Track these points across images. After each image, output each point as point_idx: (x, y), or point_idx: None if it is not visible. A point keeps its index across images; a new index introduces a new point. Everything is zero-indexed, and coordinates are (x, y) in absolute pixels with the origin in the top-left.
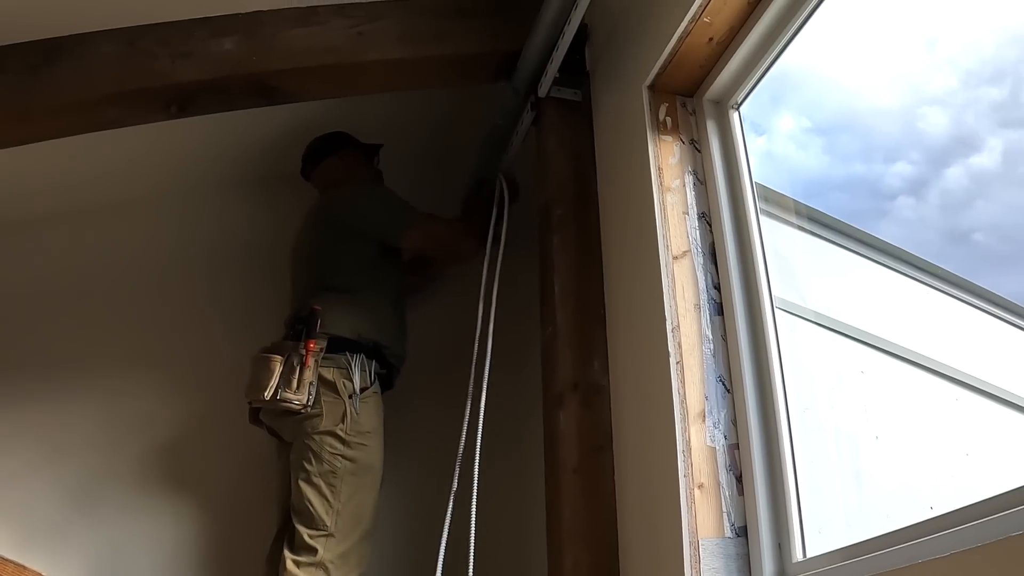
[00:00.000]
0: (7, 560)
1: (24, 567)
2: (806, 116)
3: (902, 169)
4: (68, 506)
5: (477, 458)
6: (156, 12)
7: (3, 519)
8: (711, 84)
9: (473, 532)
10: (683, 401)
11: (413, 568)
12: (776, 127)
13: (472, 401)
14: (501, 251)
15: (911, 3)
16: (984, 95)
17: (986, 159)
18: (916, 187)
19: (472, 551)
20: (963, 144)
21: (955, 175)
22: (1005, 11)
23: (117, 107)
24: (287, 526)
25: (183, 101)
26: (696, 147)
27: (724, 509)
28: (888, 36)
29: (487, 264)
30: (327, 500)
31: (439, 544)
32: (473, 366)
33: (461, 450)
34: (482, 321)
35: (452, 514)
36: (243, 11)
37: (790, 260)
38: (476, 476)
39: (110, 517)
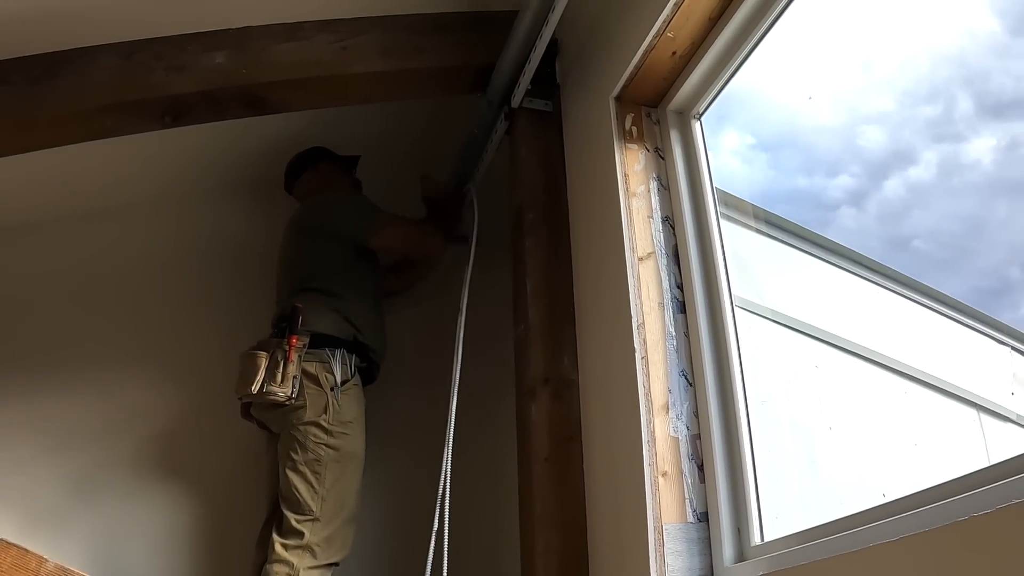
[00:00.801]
0: (11, 544)
1: (27, 551)
2: (750, 133)
3: (844, 182)
4: (69, 493)
5: (449, 447)
6: (151, 27)
7: (6, 506)
8: (674, 95)
9: (448, 517)
10: (648, 394)
11: (394, 549)
12: (722, 144)
13: (453, 397)
14: (471, 259)
15: (847, 27)
16: (920, 113)
17: (922, 171)
18: (857, 198)
19: (447, 534)
20: (900, 158)
21: (893, 187)
22: (935, 33)
23: (115, 117)
24: (275, 512)
25: (177, 112)
26: (660, 155)
27: (686, 496)
28: (827, 58)
29: (471, 265)
30: (312, 486)
31: (431, 531)
32: (456, 363)
33: (450, 441)
34: (463, 317)
35: (440, 504)
36: (233, 27)
37: (749, 261)
38: (448, 464)
39: (109, 504)
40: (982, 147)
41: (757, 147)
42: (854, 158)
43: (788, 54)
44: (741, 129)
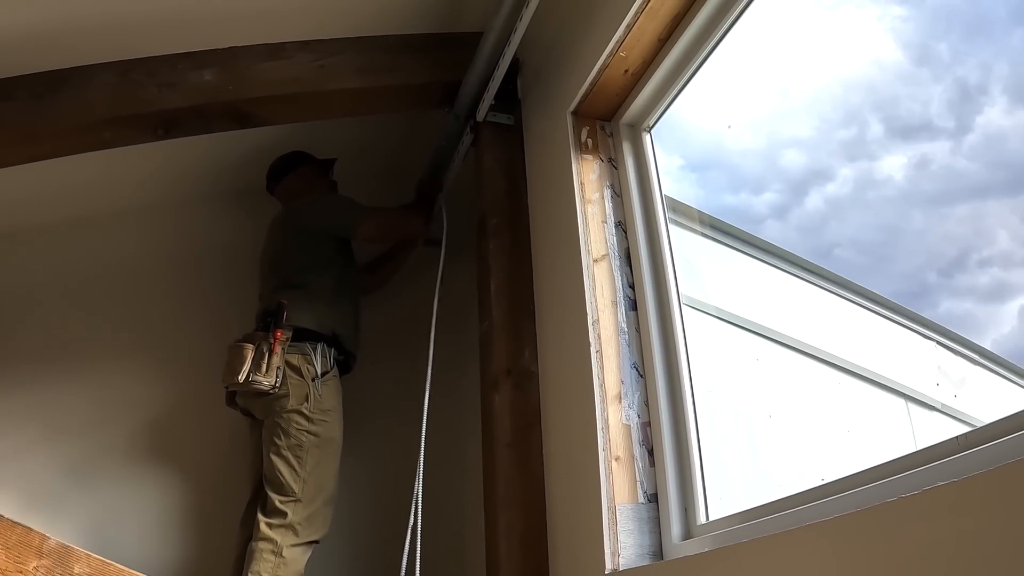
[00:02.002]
0: (16, 523)
1: (31, 529)
2: (679, 155)
3: (768, 198)
4: (65, 478)
5: (424, 435)
6: (145, 47)
7: (7, 489)
8: (627, 110)
9: (419, 497)
10: (602, 385)
11: (369, 528)
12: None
13: (427, 386)
14: (441, 264)
15: (768, 58)
16: (835, 135)
17: (839, 187)
18: (781, 212)
19: (419, 513)
20: (819, 175)
21: (813, 201)
22: (848, 63)
23: (112, 130)
24: (259, 494)
25: (169, 125)
26: (613, 165)
27: (638, 478)
28: (749, 87)
29: (443, 264)
30: (295, 470)
31: (404, 511)
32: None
33: (423, 431)
34: (435, 312)
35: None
36: (221, 46)
37: (695, 262)
38: (423, 450)
39: (103, 487)
40: (894, 164)
41: (686, 167)
42: (776, 177)
43: (714, 83)
44: (670, 151)
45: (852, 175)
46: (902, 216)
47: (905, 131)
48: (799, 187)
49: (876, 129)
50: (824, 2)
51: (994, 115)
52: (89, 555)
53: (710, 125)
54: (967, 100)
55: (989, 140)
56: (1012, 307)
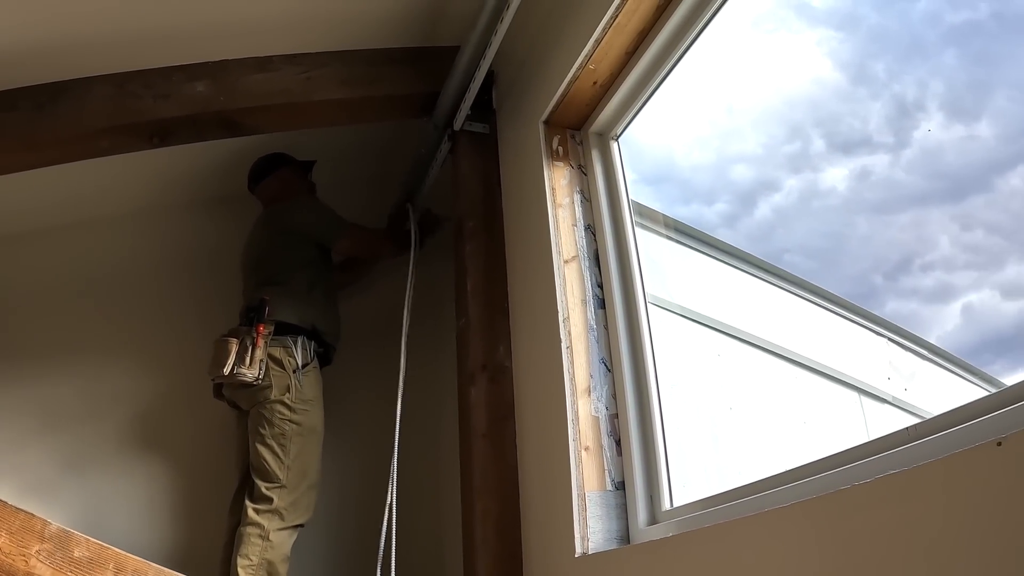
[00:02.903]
0: (19, 509)
1: (33, 515)
2: (633, 170)
3: (719, 208)
4: (59, 468)
5: (398, 425)
6: (140, 60)
7: (6, 479)
8: (595, 119)
9: (397, 486)
10: (572, 379)
11: (351, 513)
12: None
13: (401, 380)
14: (413, 262)
15: (715, 78)
16: (781, 150)
17: (785, 198)
18: (731, 221)
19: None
20: (766, 186)
21: (762, 211)
22: (791, 83)
23: (109, 138)
24: (246, 481)
25: (163, 134)
26: (583, 171)
27: (606, 467)
28: (699, 105)
29: (410, 271)
30: (279, 457)
31: (384, 497)
32: (403, 352)
33: (398, 422)
34: (408, 306)
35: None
36: (212, 60)
37: (660, 263)
38: (396, 439)
39: (95, 476)
40: (836, 176)
41: (640, 181)
42: (725, 188)
43: (667, 102)
44: (624, 166)
45: (797, 186)
46: (846, 223)
47: (846, 146)
48: (748, 198)
49: (818, 144)
50: (764, 27)
51: (932, 128)
52: (88, 539)
53: (662, 141)
54: (904, 115)
55: (927, 153)
56: (955, 307)
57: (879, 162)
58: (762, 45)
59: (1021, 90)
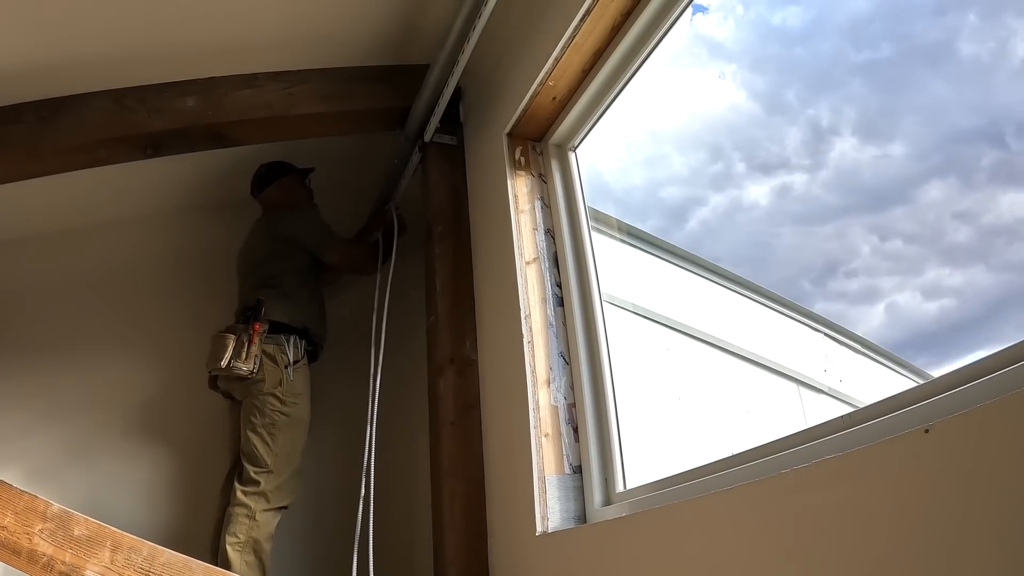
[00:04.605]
0: (23, 491)
1: (36, 496)
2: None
3: (652, 224)
4: (63, 453)
5: (375, 415)
6: (136, 77)
7: (12, 464)
8: (555, 132)
9: (373, 471)
10: (533, 371)
11: (332, 495)
12: None
13: (373, 372)
14: (392, 261)
15: (644, 106)
16: (706, 170)
17: (710, 212)
18: (664, 234)
19: (371, 484)
20: (694, 203)
21: (691, 225)
22: (712, 112)
23: (107, 149)
24: (236, 465)
25: (156, 145)
26: (543, 179)
27: (564, 453)
28: (628, 130)
29: (380, 274)
30: (268, 445)
31: (361, 482)
32: (372, 345)
33: (374, 410)
34: (376, 315)
35: (367, 459)
36: (202, 77)
37: (614, 264)
38: (375, 428)
39: (98, 461)
40: (758, 192)
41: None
42: (655, 206)
43: (604, 131)
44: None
45: (723, 201)
46: (772, 235)
47: (764, 167)
48: (678, 213)
49: (739, 165)
50: (680, 62)
51: (846, 149)
52: (87, 519)
53: (599, 165)
54: (820, 139)
55: (842, 172)
56: (879, 307)
57: (798, 180)
58: (680, 78)
59: (927, 114)
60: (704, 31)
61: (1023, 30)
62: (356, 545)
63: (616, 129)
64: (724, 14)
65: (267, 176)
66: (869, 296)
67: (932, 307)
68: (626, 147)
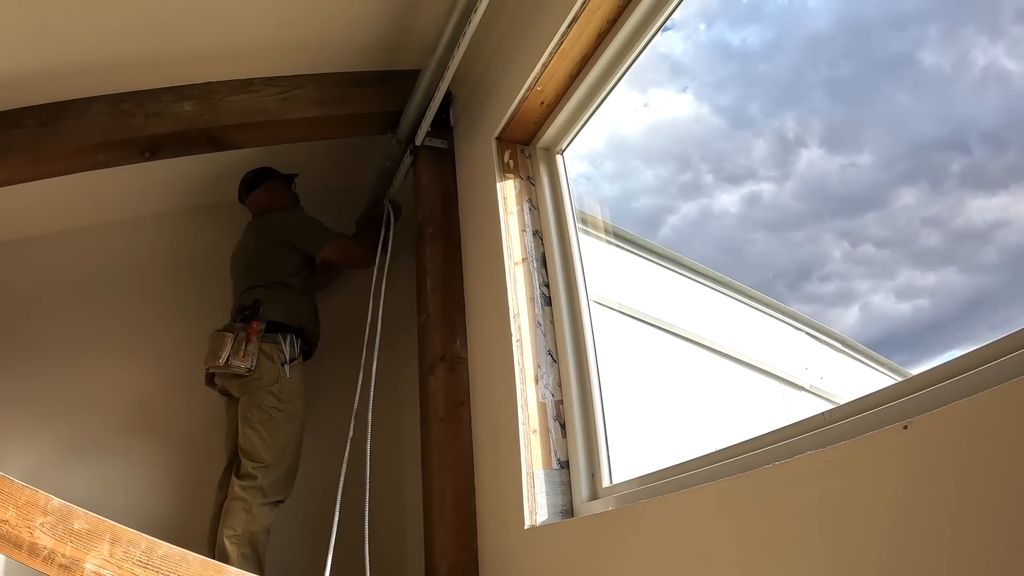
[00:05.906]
0: (24, 485)
1: (37, 490)
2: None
3: (630, 229)
4: (64, 449)
5: (370, 410)
6: (134, 82)
7: (13, 461)
8: (543, 135)
9: (368, 465)
10: (522, 369)
11: (325, 489)
12: None
13: (365, 369)
14: (388, 258)
15: (617, 120)
16: (676, 180)
17: (681, 219)
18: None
19: (368, 478)
20: (666, 211)
21: (664, 232)
22: (683, 126)
23: (106, 153)
24: (233, 460)
25: (154, 148)
26: (531, 182)
27: (552, 448)
28: (594, 141)
29: (377, 267)
30: (264, 440)
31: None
32: (366, 344)
33: (356, 405)
34: (372, 310)
35: (348, 455)
36: (199, 82)
37: (600, 265)
38: (370, 423)
39: (98, 457)
40: (727, 200)
41: None
42: (629, 215)
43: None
44: (568, 177)
45: (694, 209)
46: (745, 240)
47: (732, 177)
48: (651, 220)
49: (708, 176)
50: (646, 77)
51: (814, 158)
52: (87, 513)
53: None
54: (787, 150)
55: (810, 181)
56: (854, 308)
57: (767, 189)
58: (645, 94)
59: (892, 124)
60: (664, 50)
61: (983, 42)
62: (333, 535)
63: (589, 141)
64: (687, 32)
65: (254, 180)
66: (844, 298)
67: (906, 307)
68: (600, 155)
